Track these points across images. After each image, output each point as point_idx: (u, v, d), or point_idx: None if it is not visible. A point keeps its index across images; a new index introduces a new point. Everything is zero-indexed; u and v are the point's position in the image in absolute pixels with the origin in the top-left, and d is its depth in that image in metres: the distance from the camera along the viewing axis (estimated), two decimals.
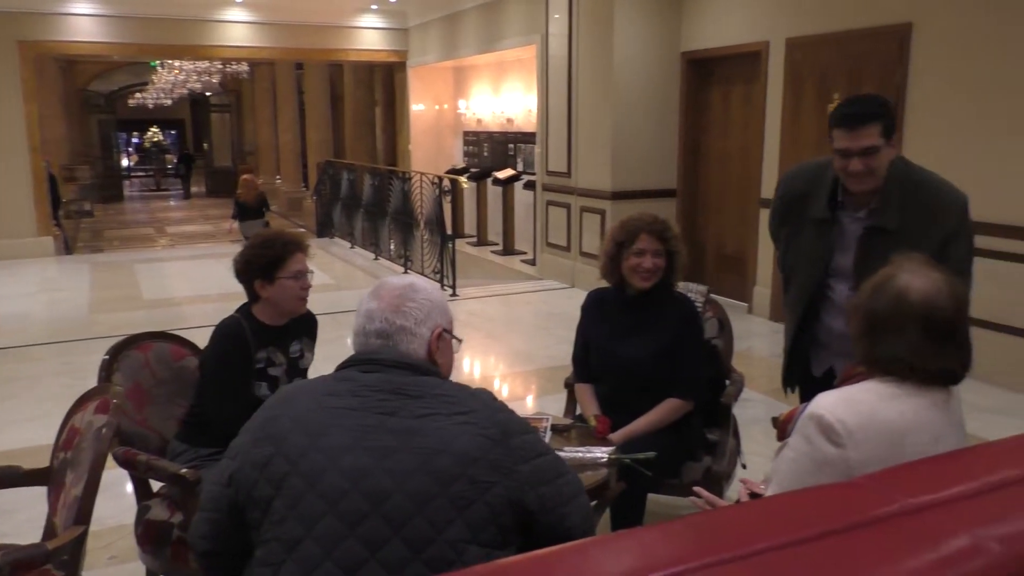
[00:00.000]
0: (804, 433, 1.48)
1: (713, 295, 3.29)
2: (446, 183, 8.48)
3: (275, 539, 1.39)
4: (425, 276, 7.39)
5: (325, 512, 1.36)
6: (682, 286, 3.22)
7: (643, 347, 2.71)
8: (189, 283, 9.02)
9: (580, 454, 2.38)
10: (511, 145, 10.71)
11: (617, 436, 2.59)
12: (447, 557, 1.34)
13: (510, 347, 6.02)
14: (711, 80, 7.14)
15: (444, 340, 1.62)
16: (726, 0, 6.70)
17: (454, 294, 7.57)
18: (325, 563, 1.34)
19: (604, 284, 2.89)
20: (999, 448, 1.37)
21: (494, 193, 10.56)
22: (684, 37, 7.15)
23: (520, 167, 10.35)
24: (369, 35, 12.12)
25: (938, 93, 5.02)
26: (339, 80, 17.48)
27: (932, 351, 1.46)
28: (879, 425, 1.43)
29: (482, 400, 1.50)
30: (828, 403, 1.47)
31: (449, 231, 8.07)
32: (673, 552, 1.05)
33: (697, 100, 7.24)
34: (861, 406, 1.46)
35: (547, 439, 2.45)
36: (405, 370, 1.50)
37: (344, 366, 1.56)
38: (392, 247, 9.52)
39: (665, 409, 2.68)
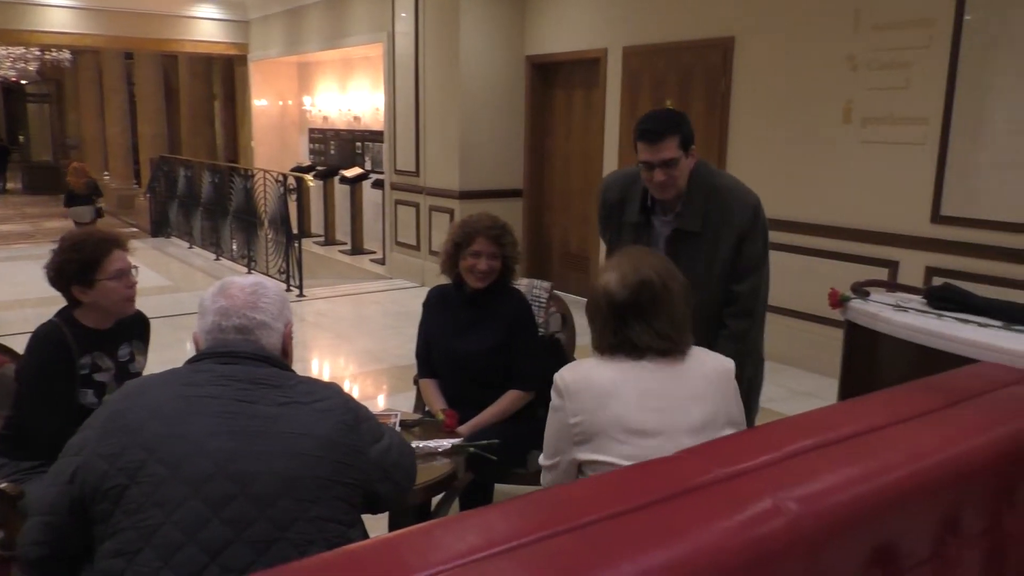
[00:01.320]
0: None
1: (557, 291, 3.42)
2: (291, 181, 8.28)
3: (131, 527, 1.38)
4: (270, 276, 7.19)
5: (188, 496, 1.38)
6: (527, 282, 3.34)
7: (480, 342, 2.79)
8: (8, 286, 8.30)
9: (428, 444, 2.42)
10: (359, 143, 10.59)
11: (464, 428, 2.65)
12: (310, 534, 1.41)
13: (360, 347, 5.97)
14: (555, 84, 7.38)
15: (290, 336, 1.71)
16: (567, 7, 6.95)
17: (301, 294, 7.40)
18: (188, 547, 1.36)
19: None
20: (797, 422, 1.55)
21: (342, 192, 10.39)
22: (528, 41, 7.35)
23: (368, 166, 10.25)
24: (206, 26, 11.60)
25: (756, 101, 5.45)
26: (174, 72, 16.58)
27: (614, 329, 1.77)
28: (589, 384, 1.75)
29: (334, 390, 1.60)
30: (564, 370, 1.82)
31: (295, 230, 7.88)
32: (513, 528, 1.12)
33: (542, 103, 7.46)
34: (580, 369, 1.81)
35: None
36: (262, 363, 1.56)
37: (198, 359, 1.58)
38: (234, 247, 9.17)
39: (507, 401, 2.78)
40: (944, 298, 2.18)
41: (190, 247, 10.35)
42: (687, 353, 1.80)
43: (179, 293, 7.59)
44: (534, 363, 2.85)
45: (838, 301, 2.30)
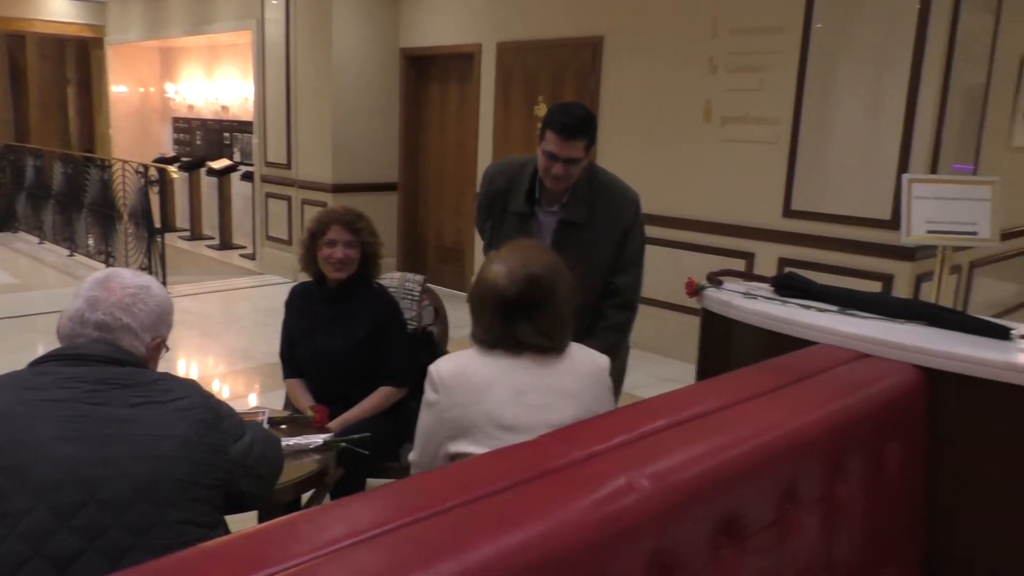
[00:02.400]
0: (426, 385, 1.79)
1: (431, 284, 3.43)
2: (153, 172, 7.88)
3: None
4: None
5: (32, 507, 1.30)
6: (399, 276, 3.33)
7: (344, 338, 2.77)
8: None
9: (298, 441, 2.39)
10: (227, 134, 10.18)
11: (334, 424, 2.63)
12: (167, 539, 1.36)
13: (229, 345, 5.78)
14: (429, 77, 7.36)
15: (159, 350, 1.64)
16: (440, 3, 6.95)
17: None
18: (33, 560, 1.28)
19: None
20: (651, 404, 1.64)
21: (209, 184, 9.97)
22: (403, 34, 7.30)
23: (237, 157, 9.89)
24: (57, 5, 10.86)
25: (624, 99, 5.64)
26: (21, 54, 15.40)
27: (500, 325, 1.75)
28: (465, 378, 1.73)
29: (193, 387, 1.54)
30: (439, 362, 1.79)
31: (158, 224, 7.52)
32: (376, 516, 1.13)
33: (416, 96, 7.43)
34: (456, 362, 1.79)
35: None
36: (112, 364, 1.48)
37: (41, 361, 1.48)
38: (91, 242, 8.64)
39: (378, 397, 2.77)
40: (788, 286, 2.34)
41: (40, 242, 9.67)
42: (564, 351, 1.81)
43: (29, 292, 7.10)
44: (404, 358, 2.85)
45: (694, 290, 2.42)
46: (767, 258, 4.96)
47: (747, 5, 4.92)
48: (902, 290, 4.45)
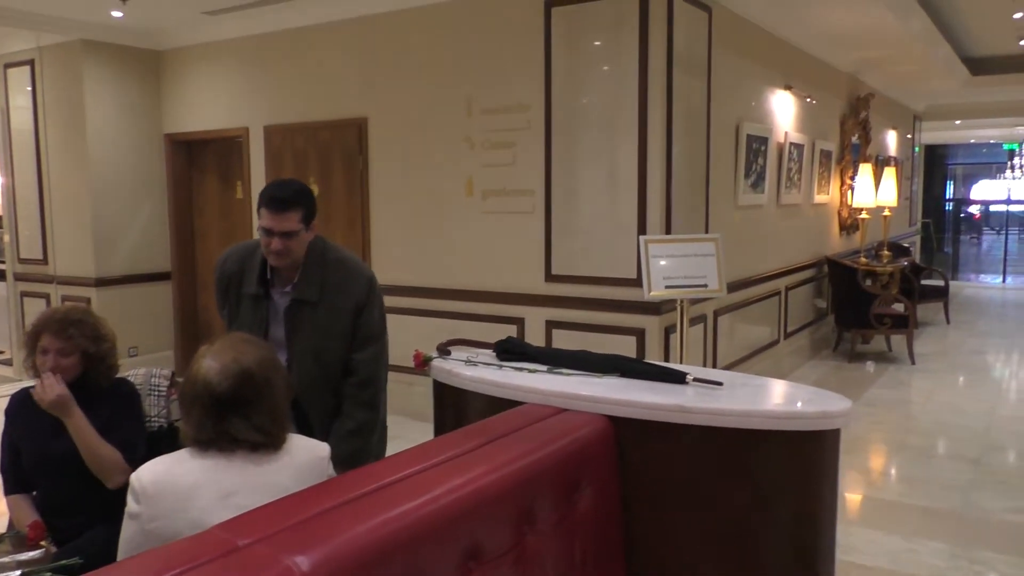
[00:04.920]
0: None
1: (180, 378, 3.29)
2: None
3: None
4: None
5: None
6: (144, 371, 3.17)
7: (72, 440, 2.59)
8: None
9: (2, 561, 2.19)
10: None
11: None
12: None
13: None
14: (199, 162, 7.18)
15: None
16: (204, 88, 6.84)
17: None
18: None
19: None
20: (335, 483, 1.66)
21: None
22: (167, 119, 7.09)
23: None
24: None
25: (392, 177, 5.78)
26: None
27: (213, 423, 1.71)
28: (169, 484, 1.66)
29: None
30: (142, 469, 1.69)
31: None
32: None
33: (186, 181, 7.20)
34: (159, 467, 1.70)
35: None
36: None
37: None
38: None
39: (108, 448, 2.55)
40: (507, 350, 2.47)
41: None
42: (282, 446, 1.78)
43: None
44: (139, 438, 2.69)
45: (422, 362, 2.49)
46: (535, 322, 5.19)
47: (496, 86, 5.24)
48: (652, 343, 4.81)
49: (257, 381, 1.76)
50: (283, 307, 2.68)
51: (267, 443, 1.75)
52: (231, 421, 1.71)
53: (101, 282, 6.74)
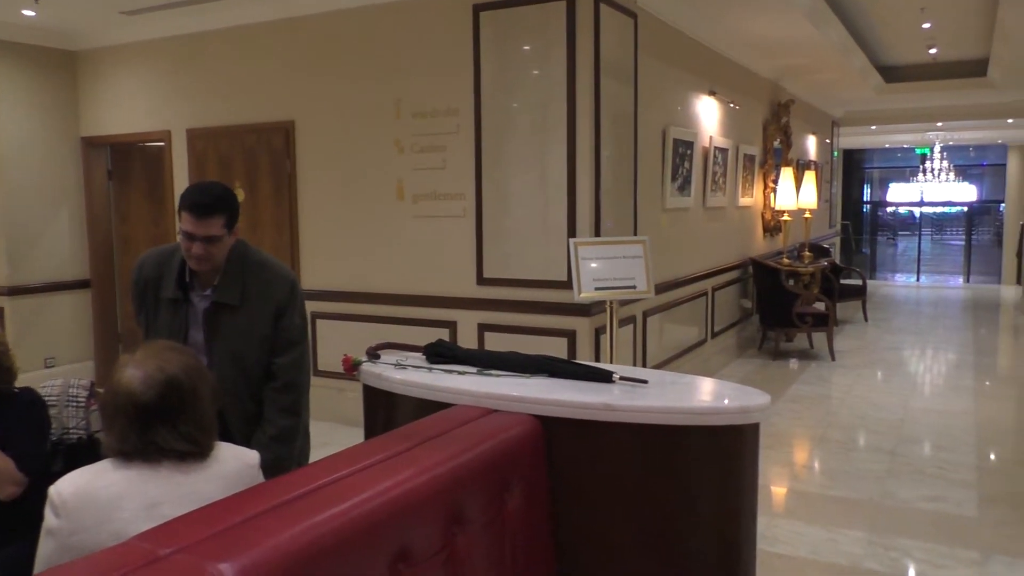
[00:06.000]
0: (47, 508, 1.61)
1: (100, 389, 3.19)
2: None
3: None
4: None
5: None
6: (61, 382, 3.07)
7: None
8: None
9: None
10: None
11: None
12: None
13: None
14: (122, 166, 6.97)
15: None
16: (123, 90, 6.65)
17: None
18: None
19: None
20: (262, 489, 1.64)
21: None
22: (84, 122, 6.86)
23: None
24: None
25: (320, 180, 5.72)
26: None
27: (137, 433, 1.67)
28: (90, 496, 1.61)
29: None
30: (61, 481, 1.62)
31: None
32: None
33: (105, 186, 6.98)
34: (80, 479, 1.64)
35: None
36: None
37: None
38: None
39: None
40: (438, 353, 2.48)
41: None
42: (209, 455, 1.74)
43: None
44: (38, 449, 2.58)
45: (351, 366, 2.48)
46: (467, 325, 5.20)
47: (425, 89, 5.24)
48: (583, 344, 4.87)
49: (183, 389, 1.72)
50: (202, 310, 2.63)
51: (195, 452, 1.71)
52: (157, 431, 1.67)
53: (15, 291, 6.47)
